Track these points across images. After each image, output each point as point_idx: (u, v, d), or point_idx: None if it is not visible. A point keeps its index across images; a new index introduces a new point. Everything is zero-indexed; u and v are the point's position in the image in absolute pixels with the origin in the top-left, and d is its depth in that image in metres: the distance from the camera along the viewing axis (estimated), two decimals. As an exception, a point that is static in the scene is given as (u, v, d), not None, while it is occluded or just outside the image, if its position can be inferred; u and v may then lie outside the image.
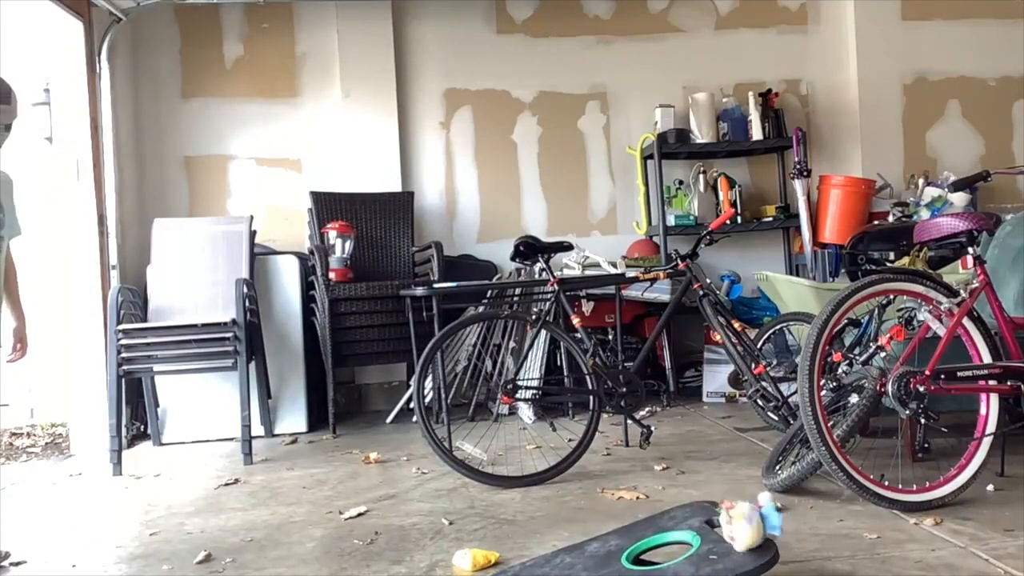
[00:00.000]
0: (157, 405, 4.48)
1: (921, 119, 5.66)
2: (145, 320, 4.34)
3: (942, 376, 2.71)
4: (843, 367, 3.06)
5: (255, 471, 3.79)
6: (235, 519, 3.05)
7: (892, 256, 4.04)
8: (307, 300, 4.73)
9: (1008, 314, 2.96)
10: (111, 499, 3.49)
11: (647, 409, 4.58)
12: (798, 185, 5.14)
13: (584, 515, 2.86)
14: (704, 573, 1.91)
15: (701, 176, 5.35)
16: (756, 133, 5.30)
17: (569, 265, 4.93)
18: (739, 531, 1.96)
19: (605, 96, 5.56)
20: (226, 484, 3.56)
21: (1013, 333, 2.88)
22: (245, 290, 4.24)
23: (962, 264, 3.59)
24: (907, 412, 2.70)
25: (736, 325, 3.65)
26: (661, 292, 4.59)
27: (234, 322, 4.11)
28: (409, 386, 4.90)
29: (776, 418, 3.67)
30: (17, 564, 2.70)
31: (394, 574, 2.42)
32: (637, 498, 3.02)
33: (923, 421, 2.71)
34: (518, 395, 3.53)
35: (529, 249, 3.65)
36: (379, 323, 4.63)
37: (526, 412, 4.55)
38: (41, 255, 4.80)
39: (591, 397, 3.51)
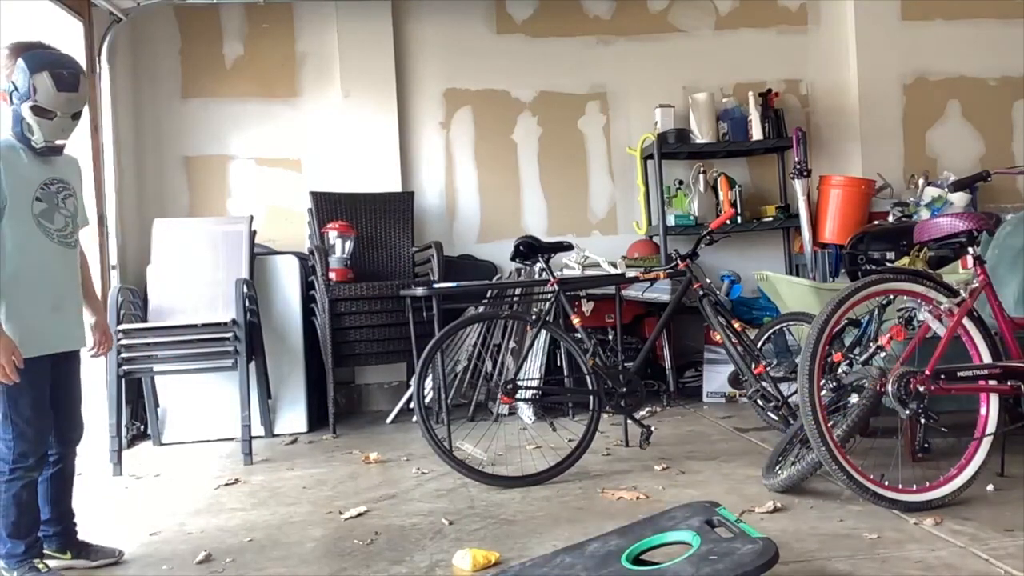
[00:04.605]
0: (157, 405, 4.48)
1: (921, 119, 5.66)
2: (145, 320, 4.34)
3: (942, 376, 2.71)
4: (843, 367, 3.06)
5: (255, 471, 3.79)
6: (235, 519, 3.05)
7: (892, 256, 4.03)
8: (307, 300, 4.73)
9: (1008, 314, 2.96)
10: (111, 499, 3.49)
11: (647, 409, 4.58)
12: (798, 185, 5.14)
13: (584, 515, 2.86)
14: (704, 573, 1.91)
15: (701, 176, 5.35)
16: (756, 133, 5.30)
17: (569, 265, 4.92)
18: None
19: (605, 96, 5.56)
20: (226, 484, 3.56)
21: (1013, 333, 2.88)
22: (245, 290, 4.24)
23: (962, 264, 3.59)
24: (907, 412, 2.70)
25: (736, 325, 3.65)
26: (661, 292, 4.59)
27: (234, 322, 4.11)
28: (409, 386, 4.90)
29: (776, 418, 3.67)
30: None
31: (394, 574, 2.42)
32: (637, 498, 3.02)
33: (923, 421, 2.71)
34: (518, 395, 3.53)
35: (529, 249, 3.65)
36: (379, 323, 4.63)
37: (526, 412, 4.55)
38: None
39: (591, 397, 3.51)
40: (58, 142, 2.42)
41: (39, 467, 2.46)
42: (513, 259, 3.74)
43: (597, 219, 5.57)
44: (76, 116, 2.42)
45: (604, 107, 5.56)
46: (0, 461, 2.40)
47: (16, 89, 2.34)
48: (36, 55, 2.36)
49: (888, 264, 3.96)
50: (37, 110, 2.34)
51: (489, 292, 4.80)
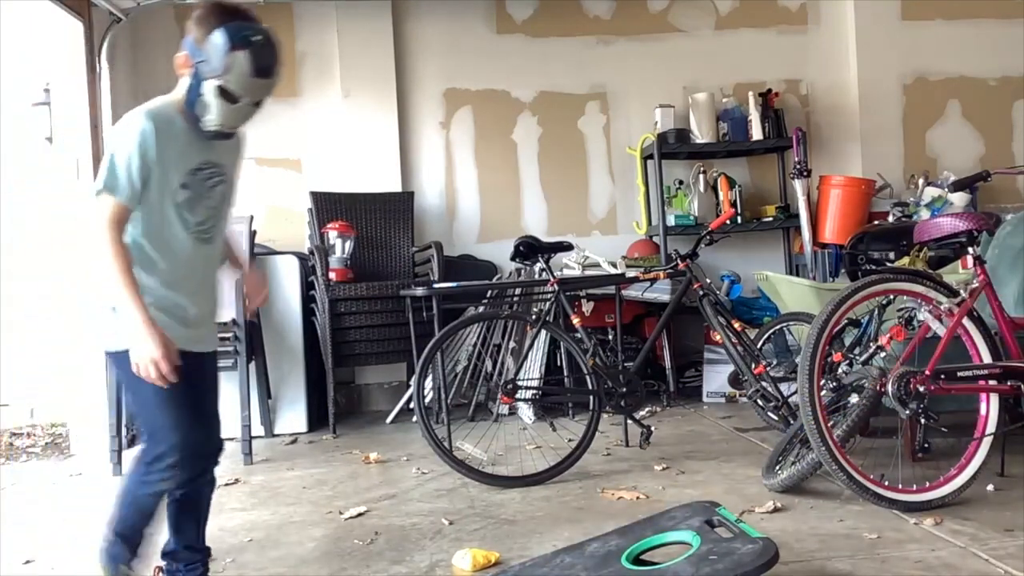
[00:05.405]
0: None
1: (921, 119, 5.66)
2: (145, 320, 4.32)
3: (942, 376, 2.71)
4: (843, 367, 3.06)
5: (255, 471, 3.79)
6: (235, 519, 3.05)
7: (892, 256, 4.04)
8: (307, 300, 4.73)
9: (1008, 314, 2.96)
10: (111, 499, 3.48)
11: (647, 409, 4.58)
12: (798, 185, 5.14)
13: (584, 515, 2.86)
14: (704, 573, 1.91)
15: (701, 176, 5.35)
16: (756, 133, 5.30)
17: (569, 265, 4.92)
18: None
19: (605, 96, 5.56)
20: (226, 484, 3.55)
21: (1013, 333, 2.88)
22: (245, 290, 4.23)
23: (962, 264, 3.59)
24: (907, 412, 2.70)
25: (736, 325, 3.65)
26: (661, 292, 4.59)
27: (234, 322, 4.11)
28: (409, 386, 4.90)
29: (776, 418, 3.67)
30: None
31: (394, 574, 2.42)
32: (637, 498, 3.02)
33: (923, 421, 2.71)
34: (518, 395, 3.53)
35: (529, 249, 3.65)
36: (379, 323, 4.63)
37: (526, 412, 4.55)
38: (41, 255, 4.81)
39: (591, 397, 3.51)
40: (231, 128, 2.08)
41: (175, 475, 2.05)
42: (513, 259, 3.74)
43: (597, 219, 5.57)
44: (259, 104, 2.07)
45: (604, 107, 5.56)
46: (137, 462, 2.11)
47: (205, 61, 1.98)
48: (238, 28, 1.96)
49: (888, 264, 3.97)
50: (223, 92, 1.98)
51: (489, 292, 4.80)
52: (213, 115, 2.01)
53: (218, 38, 1.94)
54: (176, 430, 2.00)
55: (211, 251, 2.16)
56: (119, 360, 1.99)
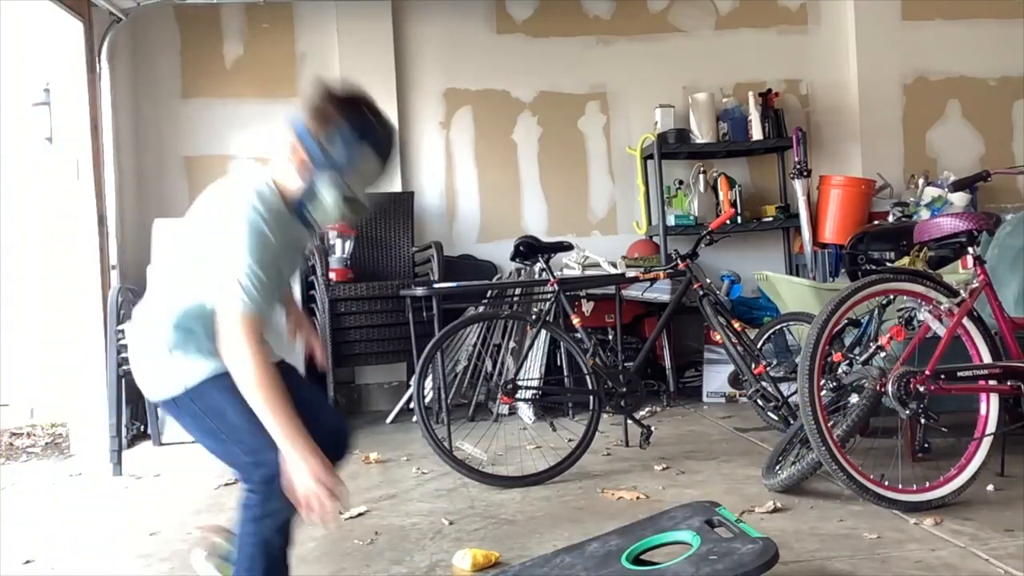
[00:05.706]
0: (157, 405, 4.47)
1: (921, 119, 5.66)
2: (145, 320, 4.32)
3: (942, 376, 2.71)
4: (843, 367, 3.06)
5: (255, 471, 3.78)
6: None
7: (892, 256, 4.04)
8: (307, 300, 4.72)
9: (1008, 314, 2.96)
10: (111, 499, 3.49)
11: (647, 409, 4.58)
12: (798, 185, 5.14)
13: (584, 515, 2.86)
14: (704, 573, 1.91)
15: (701, 176, 5.35)
16: (756, 133, 5.30)
17: (569, 265, 4.92)
18: None
19: (605, 96, 5.56)
20: (226, 484, 3.55)
21: (1013, 333, 2.88)
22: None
23: (962, 264, 3.59)
24: (907, 412, 2.70)
25: (736, 325, 3.65)
26: (661, 292, 4.59)
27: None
28: (409, 386, 4.89)
29: (776, 418, 3.68)
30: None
31: (394, 574, 2.42)
32: (637, 498, 3.02)
33: (923, 421, 2.71)
34: (518, 395, 3.53)
35: (529, 249, 3.65)
36: (379, 323, 4.63)
37: (526, 412, 4.55)
38: (41, 255, 4.81)
39: (591, 397, 3.51)
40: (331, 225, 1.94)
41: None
42: (513, 259, 3.74)
43: (597, 219, 5.57)
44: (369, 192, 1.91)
45: (604, 107, 5.56)
46: (248, 504, 1.86)
47: (327, 155, 1.82)
48: (363, 120, 1.81)
49: (888, 264, 3.97)
50: (344, 191, 1.82)
51: (489, 292, 4.80)
52: (329, 214, 1.86)
53: (346, 134, 1.80)
54: (275, 447, 1.77)
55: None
56: (174, 405, 1.90)
